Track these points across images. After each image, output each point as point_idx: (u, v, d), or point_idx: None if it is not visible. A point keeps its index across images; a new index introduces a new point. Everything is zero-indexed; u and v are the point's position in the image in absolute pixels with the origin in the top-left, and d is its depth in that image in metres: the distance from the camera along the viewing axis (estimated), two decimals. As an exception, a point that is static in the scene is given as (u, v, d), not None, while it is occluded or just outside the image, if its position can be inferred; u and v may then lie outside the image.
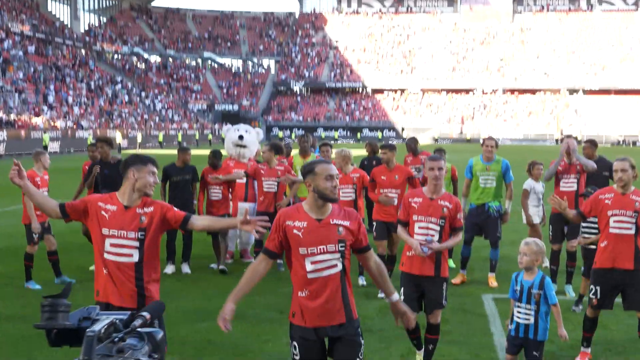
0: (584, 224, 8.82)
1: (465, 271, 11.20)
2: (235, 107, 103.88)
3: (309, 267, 4.79)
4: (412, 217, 6.97)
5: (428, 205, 6.89)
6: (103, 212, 5.28)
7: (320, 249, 4.77)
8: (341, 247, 4.80)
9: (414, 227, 6.94)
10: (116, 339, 2.16)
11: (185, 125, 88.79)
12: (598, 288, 7.23)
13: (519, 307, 6.36)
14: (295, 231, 4.81)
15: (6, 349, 7.81)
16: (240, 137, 12.97)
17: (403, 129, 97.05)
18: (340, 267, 4.83)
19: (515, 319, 6.41)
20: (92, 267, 11.04)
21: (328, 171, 4.85)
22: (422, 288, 6.98)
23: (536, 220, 11.89)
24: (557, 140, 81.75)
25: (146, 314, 2.41)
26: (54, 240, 10.87)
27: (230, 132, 13.27)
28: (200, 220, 5.55)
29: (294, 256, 4.85)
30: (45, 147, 51.21)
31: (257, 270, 5.00)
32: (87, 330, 2.11)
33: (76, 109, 69.65)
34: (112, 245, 5.24)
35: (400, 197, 9.96)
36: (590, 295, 7.35)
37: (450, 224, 6.91)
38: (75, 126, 64.06)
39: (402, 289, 7.04)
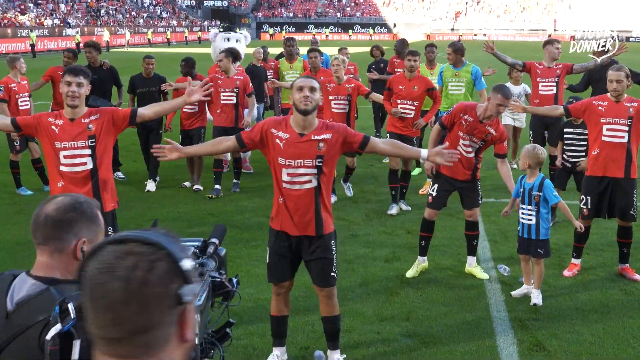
0: (567, 134, 8.85)
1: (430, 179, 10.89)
2: (225, 3, 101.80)
3: (284, 177, 5.01)
4: (457, 132, 7.17)
5: (474, 128, 7.10)
6: (53, 127, 5.53)
7: (297, 162, 4.96)
8: (318, 162, 4.97)
9: (459, 142, 7.15)
10: (197, 266, 2.41)
11: (174, 22, 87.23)
12: (589, 198, 7.39)
13: (523, 208, 6.80)
14: (277, 140, 4.99)
15: (1, 255, 8.04)
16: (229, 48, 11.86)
17: (395, 25, 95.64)
18: (315, 183, 5.02)
19: (520, 220, 6.84)
20: (47, 188, 11.07)
21: (298, 83, 5.00)
22: (456, 188, 7.32)
23: (509, 122, 11.96)
24: (549, 36, 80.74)
25: (215, 240, 2.72)
26: (38, 148, 10.86)
27: (218, 39, 12.54)
28: (148, 109, 5.82)
29: (274, 164, 5.05)
30: (33, 46, 50.45)
31: (221, 142, 5.37)
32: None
33: (62, 7, 68.16)
34: (65, 157, 5.54)
35: (418, 110, 9.75)
36: (581, 206, 7.50)
37: (495, 148, 7.23)
38: (62, 24, 62.85)
39: (436, 185, 7.36)
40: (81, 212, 2.56)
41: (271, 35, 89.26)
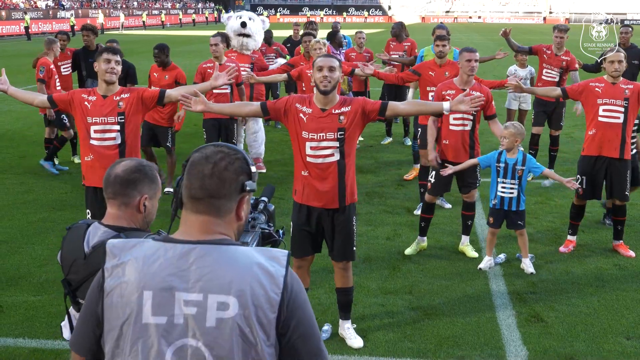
0: None
1: (418, 165, 10.24)
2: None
3: (308, 150, 5.23)
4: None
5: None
6: (86, 103, 5.88)
7: (320, 136, 5.19)
8: (340, 135, 5.19)
9: (449, 117, 7.32)
10: (250, 219, 2.87)
11: (168, 4, 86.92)
12: (584, 178, 7.61)
13: (504, 182, 7.10)
14: (301, 115, 5.24)
15: (13, 232, 8.24)
16: (243, 25, 11.34)
17: (389, 7, 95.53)
18: (337, 157, 5.24)
19: (499, 194, 7.14)
20: (77, 160, 11.43)
21: (318, 63, 5.21)
22: (455, 172, 7.41)
23: (515, 106, 12.11)
24: (544, 19, 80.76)
25: (265, 199, 3.10)
26: (71, 132, 11.23)
27: (232, 19, 11.66)
28: (175, 91, 6.09)
29: (297, 138, 5.27)
30: (27, 29, 50.31)
31: (245, 106, 5.73)
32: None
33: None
34: (96, 131, 5.89)
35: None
36: (577, 185, 7.71)
37: (484, 112, 7.34)
38: (56, 6, 62.63)
39: (434, 172, 7.55)
40: (144, 173, 3.13)
41: (266, 17, 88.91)
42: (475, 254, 7.53)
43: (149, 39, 20.90)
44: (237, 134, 10.35)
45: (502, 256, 7.44)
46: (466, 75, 7.27)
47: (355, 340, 5.64)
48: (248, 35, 11.38)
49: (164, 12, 79.09)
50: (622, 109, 7.31)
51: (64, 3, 64.14)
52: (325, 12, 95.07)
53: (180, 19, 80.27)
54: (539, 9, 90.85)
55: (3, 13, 53.29)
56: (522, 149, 7.27)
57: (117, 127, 5.90)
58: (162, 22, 74.94)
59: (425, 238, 7.77)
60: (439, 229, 8.28)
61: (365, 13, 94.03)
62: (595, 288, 6.76)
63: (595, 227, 8.55)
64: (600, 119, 7.39)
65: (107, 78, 5.81)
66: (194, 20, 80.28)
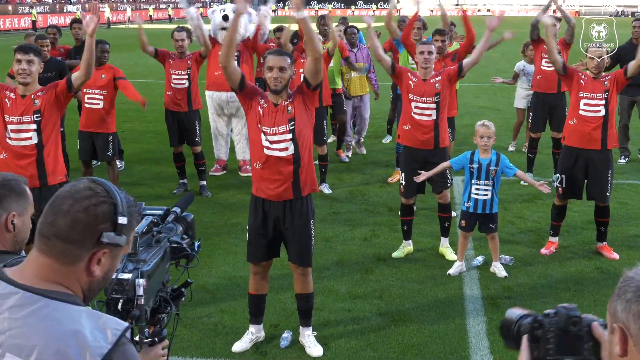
0: None
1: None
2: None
3: (264, 142, 5.16)
4: (407, 96, 7.14)
5: (423, 85, 7.04)
6: (6, 100, 5.73)
7: (273, 130, 5.13)
8: (291, 126, 5.12)
9: (411, 105, 7.10)
10: (155, 233, 2.68)
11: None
12: (564, 177, 7.37)
13: (477, 184, 6.84)
14: (259, 108, 5.19)
15: None
16: (225, 18, 10.43)
17: (398, 1, 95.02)
18: (292, 150, 5.13)
19: (473, 196, 6.87)
20: None
21: (269, 62, 5.11)
22: (424, 166, 7.14)
23: (524, 104, 11.76)
24: (554, 11, 79.99)
25: (177, 209, 2.90)
26: None
27: (216, 13, 10.95)
28: (78, 71, 5.80)
29: (254, 129, 5.20)
30: (34, 22, 50.26)
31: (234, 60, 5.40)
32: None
33: (63, -18, 67.77)
34: (12, 131, 5.76)
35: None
36: (557, 184, 7.50)
37: (458, 71, 7.07)
38: (63, 0, 62.57)
39: (403, 174, 7.33)
40: (10, 188, 2.81)
41: (273, 10, 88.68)
42: (455, 257, 7.26)
43: (156, 32, 20.72)
44: (200, 133, 9.82)
45: (479, 258, 7.20)
46: (422, 69, 7.05)
47: (314, 349, 5.43)
48: None
49: (171, 5, 78.97)
50: (603, 102, 7.12)
51: (70, -3, 64.10)
52: (334, 5, 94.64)
53: (169, 15, 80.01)
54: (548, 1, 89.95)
55: (10, 7, 53.27)
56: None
57: (34, 127, 5.74)
58: (169, 16, 74.83)
59: (410, 242, 7.54)
60: (417, 229, 7.99)
61: (374, 6, 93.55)
62: (573, 293, 6.51)
63: (580, 228, 8.28)
64: (581, 112, 7.21)
65: (20, 80, 5.66)
66: (201, 14, 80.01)
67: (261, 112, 5.16)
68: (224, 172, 10.96)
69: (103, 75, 8.82)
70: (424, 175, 6.90)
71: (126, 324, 1.88)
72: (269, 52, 5.26)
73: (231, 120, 10.77)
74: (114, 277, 2.27)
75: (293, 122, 5.13)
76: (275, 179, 5.17)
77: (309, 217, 5.30)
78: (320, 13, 16.00)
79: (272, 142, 5.13)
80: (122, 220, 1.94)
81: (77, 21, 11.10)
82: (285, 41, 9.96)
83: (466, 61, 7.18)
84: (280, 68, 5.05)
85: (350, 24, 11.88)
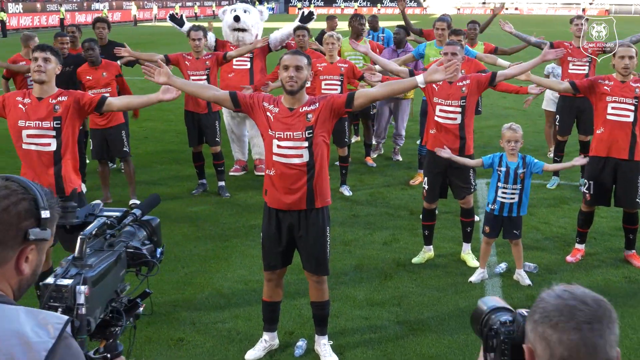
0: None
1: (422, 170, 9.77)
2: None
3: (275, 149, 4.94)
4: (432, 100, 6.97)
5: (448, 88, 6.85)
6: (20, 105, 5.45)
7: (286, 135, 4.89)
8: (308, 134, 4.88)
9: (435, 107, 6.93)
10: (108, 236, 2.47)
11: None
12: (592, 183, 7.13)
13: (504, 187, 6.61)
14: (268, 113, 4.96)
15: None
16: (236, 19, 10.38)
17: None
18: (306, 158, 4.91)
19: (499, 199, 6.65)
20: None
21: (284, 61, 4.90)
22: (447, 176, 7.04)
23: (553, 107, 11.40)
24: (583, 10, 79.02)
25: (137, 212, 2.68)
26: None
27: (227, 13, 10.78)
28: (118, 100, 5.79)
29: (265, 136, 4.99)
30: (62, 20, 50.59)
31: (211, 89, 5.34)
32: (80, 233, 2.39)
33: (91, -20, 68.24)
34: (28, 136, 5.46)
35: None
36: (584, 190, 7.25)
37: (487, 83, 6.86)
38: (90, -2, 63.00)
39: (426, 178, 7.16)
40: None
41: (299, 9, 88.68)
42: (477, 263, 7.05)
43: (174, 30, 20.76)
44: (220, 133, 9.69)
45: (502, 265, 6.99)
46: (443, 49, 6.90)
47: (330, 358, 5.27)
48: (244, 30, 10.49)
49: (197, 3, 79.18)
50: (632, 107, 6.86)
51: (98, -5, 64.47)
52: (360, 3, 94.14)
53: (213, 11, 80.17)
54: (578, 0, 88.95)
55: (38, 5, 53.66)
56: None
57: (53, 133, 5.45)
58: (196, 14, 74.99)
59: (431, 247, 7.36)
60: (439, 234, 7.80)
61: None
62: (599, 303, 6.27)
63: (608, 235, 8.02)
64: (608, 117, 6.93)
65: (34, 77, 5.40)
66: (213, 12, 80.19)
67: (272, 117, 4.94)
68: (244, 172, 10.82)
69: (104, 73, 8.89)
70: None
71: (66, 317, 1.78)
72: (286, 52, 5.11)
73: (245, 121, 10.61)
74: (51, 282, 2.11)
75: (311, 131, 4.88)
76: (288, 187, 4.95)
77: (324, 225, 5.10)
78: (345, 11, 15.79)
79: (284, 148, 4.91)
80: (45, 214, 1.91)
81: (100, 20, 10.87)
82: (306, 44, 9.88)
83: (501, 72, 6.90)
84: (296, 67, 4.82)
85: (398, 24, 11.49)
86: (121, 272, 2.48)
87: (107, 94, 5.68)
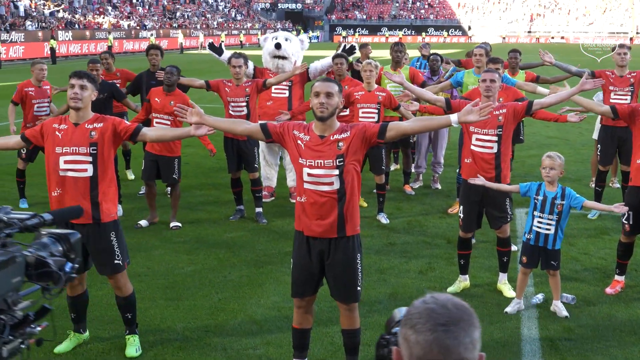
0: None
1: None
2: (299, 5, 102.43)
3: (305, 177, 4.94)
4: (468, 129, 6.98)
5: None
6: (57, 132, 5.50)
7: (317, 162, 4.89)
8: (339, 162, 4.87)
9: (472, 136, 6.95)
10: (2, 235, 2.37)
11: (248, 24, 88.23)
12: (631, 213, 6.97)
13: (540, 217, 6.50)
14: (298, 141, 4.97)
15: None
16: (277, 46, 10.63)
17: (469, 28, 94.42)
18: (337, 185, 4.90)
19: (535, 228, 6.55)
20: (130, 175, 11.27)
21: (315, 87, 4.90)
22: (483, 205, 7.02)
23: None
24: (630, 39, 77.96)
25: (46, 216, 2.59)
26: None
27: (268, 41, 11.02)
28: (152, 131, 5.87)
29: (296, 164, 5.01)
30: (110, 47, 51.74)
31: (242, 123, 5.53)
32: None
33: (140, 9, 69.79)
34: (66, 162, 5.47)
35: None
36: (623, 220, 7.10)
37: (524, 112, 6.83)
38: (138, 26, 64.35)
39: (462, 207, 7.14)
40: None
41: (344, 37, 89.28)
42: (513, 294, 6.94)
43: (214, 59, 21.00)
44: (259, 160, 9.83)
45: (539, 296, 6.87)
46: (485, 97, 6.80)
47: (360, 387, 5.22)
48: (284, 57, 10.68)
49: (243, 32, 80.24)
50: None
51: (146, 23, 65.79)
52: (404, 32, 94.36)
53: (258, 39, 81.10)
54: (625, 30, 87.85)
55: (87, 33, 54.97)
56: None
57: (90, 159, 5.46)
58: (241, 42, 75.98)
59: (467, 276, 7.28)
60: (476, 264, 7.72)
61: (445, 33, 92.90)
62: (638, 337, 6.12)
63: (650, 267, 7.85)
64: None
65: (71, 105, 5.45)
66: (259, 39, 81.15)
67: (302, 145, 4.94)
68: (272, 198, 10.89)
69: (172, 102, 8.88)
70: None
71: None
72: (317, 79, 5.14)
73: (281, 149, 10.68)
74: None
75: (342, 159, 4.87)
76: (319, 215, 4.94)
77: (355, 253, 5.05)
78: (390, 39, 15.94)
79: (315, 176, 4.90)
80: None
81: (153, 47, 10.98)
82: (344, 72, 9.97)
83: (538, 101, 6.83)
84: (327, 94, 4.83)
85: (432, 52, 11.63)
86: (14, 278, 2.33)
87: (141, 125, 5.67)
